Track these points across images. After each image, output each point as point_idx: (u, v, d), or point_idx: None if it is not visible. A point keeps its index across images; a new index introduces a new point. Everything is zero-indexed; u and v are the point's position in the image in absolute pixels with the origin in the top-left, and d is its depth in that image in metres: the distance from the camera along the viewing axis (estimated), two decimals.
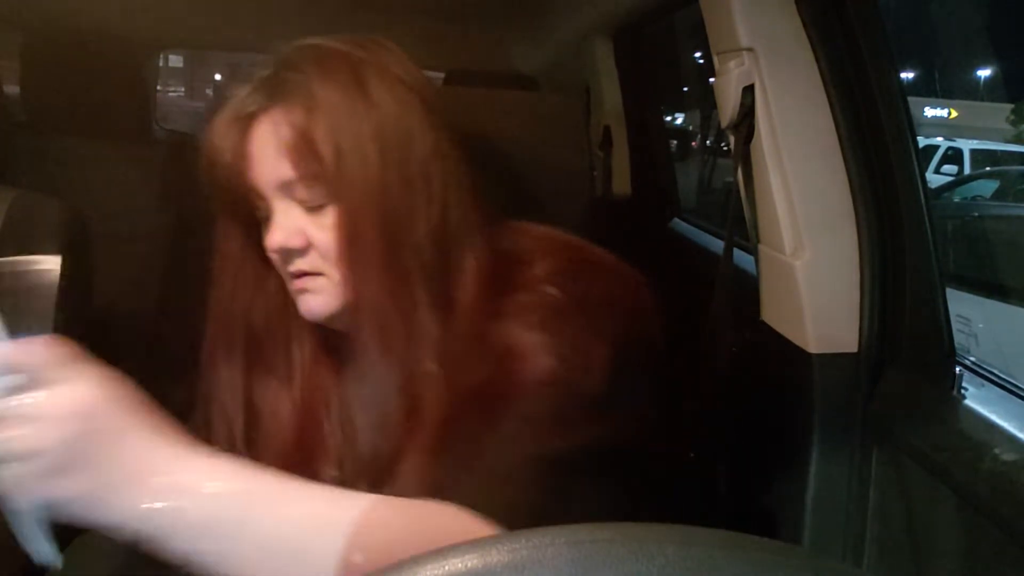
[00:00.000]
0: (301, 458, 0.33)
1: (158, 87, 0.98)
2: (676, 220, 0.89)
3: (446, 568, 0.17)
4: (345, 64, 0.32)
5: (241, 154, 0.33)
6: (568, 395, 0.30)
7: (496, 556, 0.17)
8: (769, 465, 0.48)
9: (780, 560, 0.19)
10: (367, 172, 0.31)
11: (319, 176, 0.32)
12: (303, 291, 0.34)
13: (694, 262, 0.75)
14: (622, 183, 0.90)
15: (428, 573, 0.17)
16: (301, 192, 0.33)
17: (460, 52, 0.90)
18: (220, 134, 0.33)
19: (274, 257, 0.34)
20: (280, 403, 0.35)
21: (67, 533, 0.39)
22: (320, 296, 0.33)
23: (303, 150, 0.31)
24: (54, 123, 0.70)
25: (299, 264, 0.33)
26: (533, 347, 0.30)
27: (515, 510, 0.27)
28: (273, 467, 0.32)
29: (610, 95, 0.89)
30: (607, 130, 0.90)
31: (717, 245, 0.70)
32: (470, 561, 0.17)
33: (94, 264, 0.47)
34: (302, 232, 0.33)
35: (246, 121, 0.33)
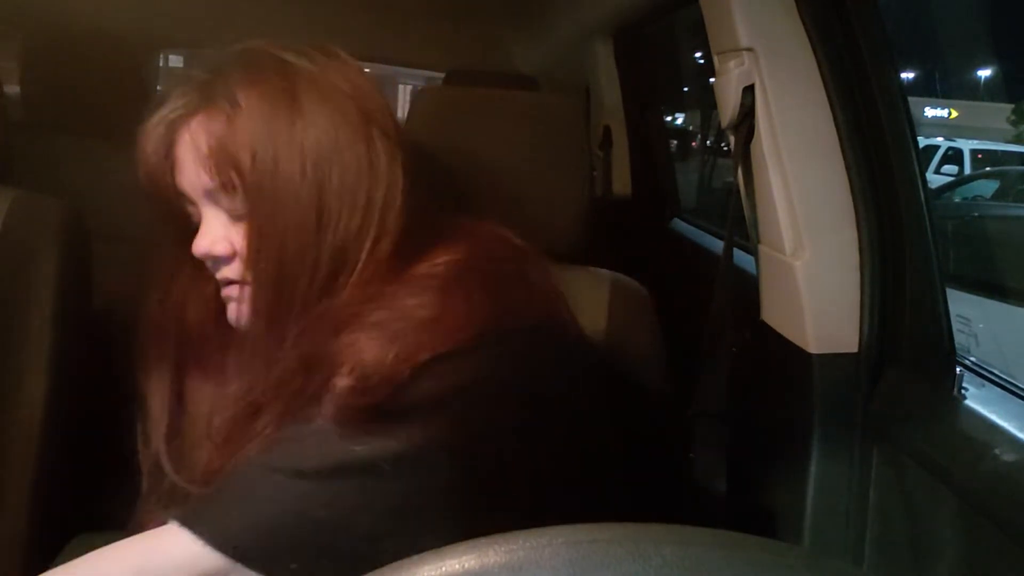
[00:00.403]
0: (227, 464, 0.32)
1: (158, 87, 0.98)
2: (676, 220, 0.89)
3: (443, 569, 0.17)
4: (276, 71, 0.32)
5: (168, 159, 0.32)
6: (366, 405, 0.28)
7: (493, 557, 0.17)
8: (769, 465, 0.48)
9: (779, 560, 0.19)
10: (282, 184, 0.31)
11: (237, 186, 0.31)
12: (229, 299, 0.33)
13: (694, 262, 0.75)
14: (622, 183, 0.89)
15: (425, 574, 0.17)
16: (224, 201, 0.32)
17: (460, 52, 0.90)
18: (147, 138, 0.33)
19: (207, 263, 0.33)
20: (212, 408, 0.34)
21: (64, 534, 0.39)
22: (242, 305, 0.33)
23: (220, 160, 0.31)
24: (54, 123, 0.70)
25: (225, 272, 0.33)
26: (339, 356, 0.29)
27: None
28: (196, 472, 0.32)
29: (610, 95, 0.88)
30: (607, 130, 0.89)
31: (717, 245, 0.70)
32: (467, 562, 0.17)
33: (94, 265, 0.47)
34: (227, 240, 0.32)
35: (173, 126, 0.32)
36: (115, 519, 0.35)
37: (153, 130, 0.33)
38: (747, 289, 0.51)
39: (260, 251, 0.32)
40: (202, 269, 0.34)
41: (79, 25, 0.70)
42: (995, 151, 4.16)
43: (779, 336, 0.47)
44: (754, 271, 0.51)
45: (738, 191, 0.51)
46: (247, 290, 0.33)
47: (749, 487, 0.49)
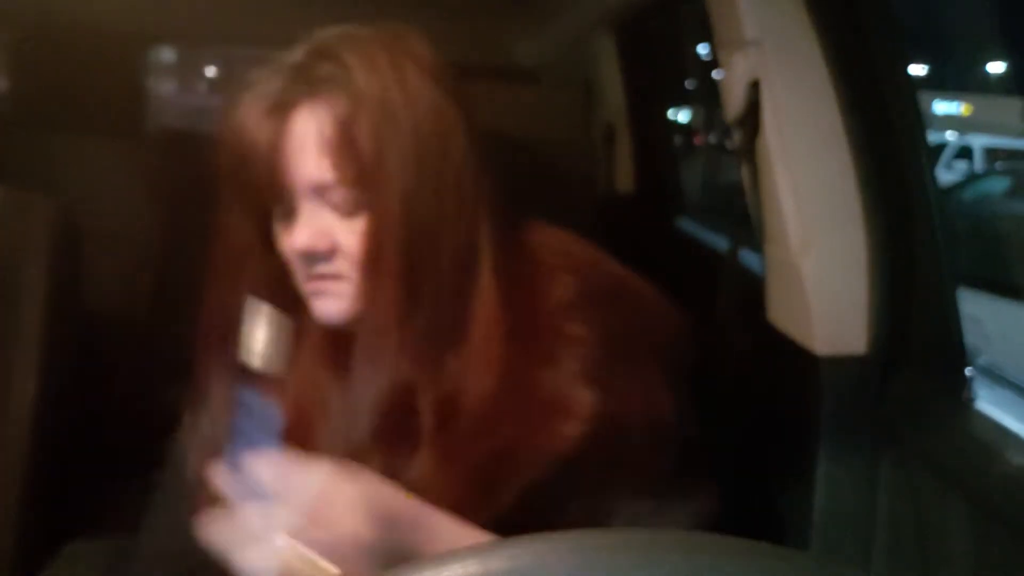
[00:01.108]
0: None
1: (151, 83, 0.97)
2: (680, 218, 0.89)
3: (445, 575, 0.17)
4: (387, 56, 0.30)
5: (277, 148, 0.30)
6: (606, 457, 0.29)
7: (497, 562, 0.17)
8: (775, 469, 0.48)
9: (787, 566, 0.18)
10: (405, 179, 0.29)
11: (358, 180, 0.29)
12: (320, 294, 0.32)
13: (699, 261, 0.74)
14: (625, 180, 0.89)
15: None
16: (336, 194, 0.30)
17: (459, 46, 0.89)
18: (254, 124, 0.30)
19: (290, 255, 0.31)
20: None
21: (59, 541, 0.39)
22: (338, 301, 0.31)
23: (346, 151, 0.29)
24: (44, 119, 0.69)
25: (321, 267, 0.31)
26: (575, 405, 0.29)
27: None
28: None
29: (612, 91, 0.88)
30: (609, 126, 0.89)
31: (722, 244, 0.69)
32: (471, 567, 0.17)
33: (85, 263, 0.46)
34: (329, 234, 0.31)
35: (284, 111, 0.30)
36: (109, 527, 0.34)
37: (261, 117, 0.30)
38: (753, 288, 0.50)
39: (382, 247, 0.30)
40: (269, 260, 0.32)
41: (69, 20, 0.69)
42: (1006, 148, 4.10)
43: (785, 337, 0.46)
44: (760, 270, 0.50)
45: (743, 188, 0.50)
46: (343, 285, 0.31)
47: (756, 491, 0.49)
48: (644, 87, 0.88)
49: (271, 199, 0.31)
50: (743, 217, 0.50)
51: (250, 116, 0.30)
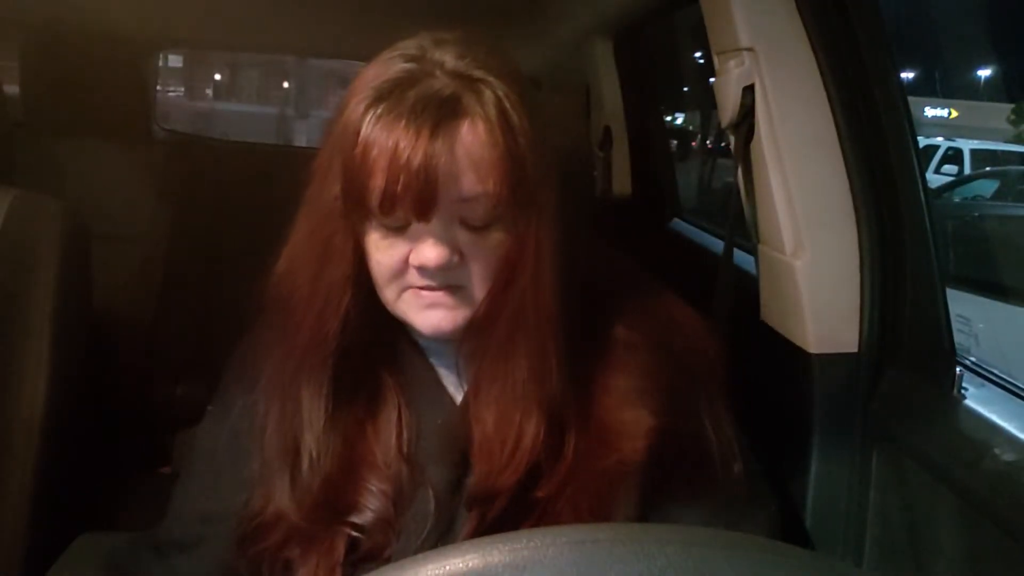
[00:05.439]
0: (350, 481, 0.31)
1: (158, 87, 0.97)
2: (676, 220, 0.89)
3: (447, 568, 0.18)
4: (519, 73, 0.31)
5: (434, 163, 0.28)
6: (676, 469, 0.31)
7: (497, 556, 0.17)
8: (768, 466, 0.48)
9: (780, 561, 0.19)
10: (544, 196, 0.30)
11: (516, 191, 0.29)
12: (435, 305, 0.31)
13: (694, 262, 0.75)
14: (622, 183, 0.89)
15: (430, 573, 0.17)
16: (479, 207, 0.30)
17: None
18: (404, 139, 0.28)
19: (389, 270, 0.30)
20: (358, 433, 0.32)
21: (67, 534, 0.39)
22: (454, 311, 0.31)
23: (510, 164, 0.29)
24: (54, 123, 0.70)
25: (440, 279, 0.31)
26: (635, 424, 0.30)
27: None
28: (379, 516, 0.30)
29: (610, 95, 0.89)
30: (607, 130, 0.90)
31: (718, 245, 0.69)
32: (471, 561, 0.17)
33: (93, 265, 0.46)
34: (457, 248, 0.30)
35: (439, 128, 0.29)
36: (121, 519, 0.34)
37: (408, 130, 0.29)
38: (747, 289, 0.51)
39: (537, 251, 0.30)
40: (357, 280, 0.31)
41: (79, 25, 0.70)
42: (994, 151, 4.17)
43: (779, 336, 0.47)
44: (754, 271, 0.51)
45: (738, 191, 0.51)
46: (460, 296, 0.31)
47: None
48: (641, 91, 0.89)
49: (417, 214, 0.29)
50: (738, 219, 0.51)
51: (409, 125, 0.29)
